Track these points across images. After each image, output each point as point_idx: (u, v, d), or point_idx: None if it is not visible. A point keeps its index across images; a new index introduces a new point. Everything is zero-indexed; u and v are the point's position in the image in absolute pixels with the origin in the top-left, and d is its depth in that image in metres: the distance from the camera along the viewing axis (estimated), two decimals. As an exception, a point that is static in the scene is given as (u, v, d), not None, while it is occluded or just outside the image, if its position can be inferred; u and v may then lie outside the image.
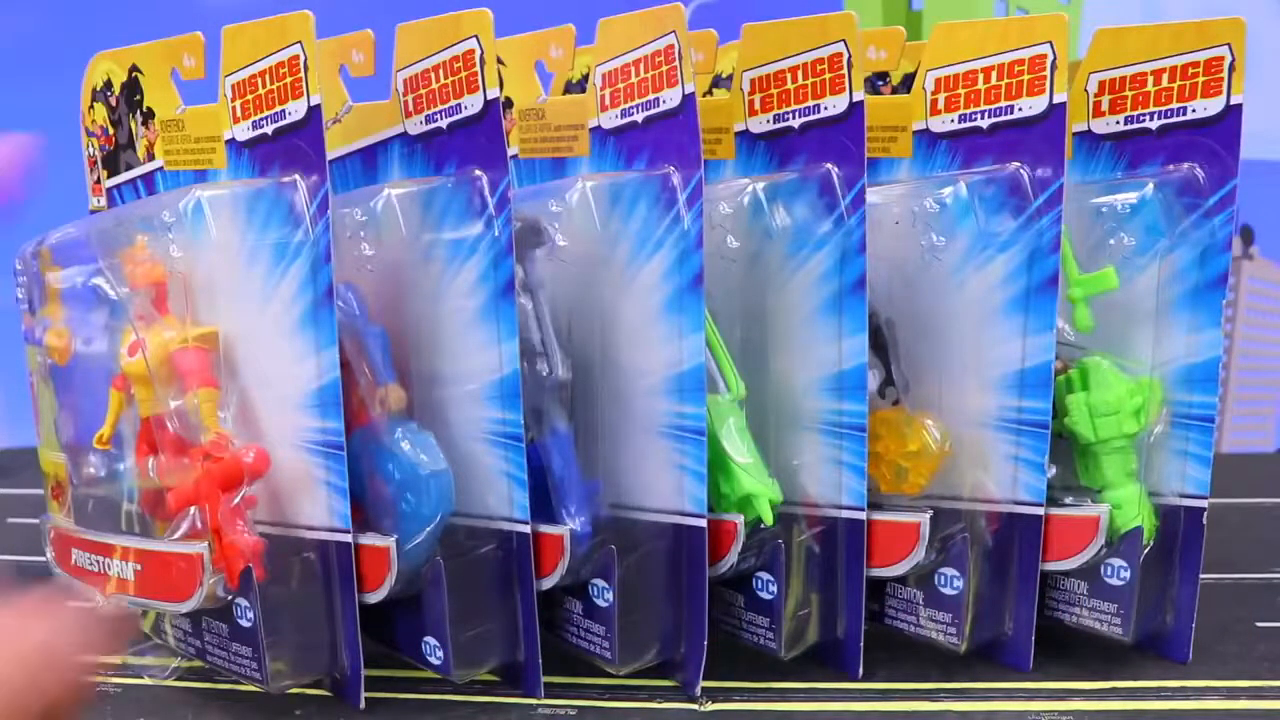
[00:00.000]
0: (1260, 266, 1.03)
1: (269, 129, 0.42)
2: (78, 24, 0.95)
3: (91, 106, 0.50)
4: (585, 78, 0.51)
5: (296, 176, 0.41)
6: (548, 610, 0.47)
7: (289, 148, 0.41)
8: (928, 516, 0.45)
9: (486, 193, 0.41)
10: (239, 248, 0.41)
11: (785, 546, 0.46)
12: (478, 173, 0.42)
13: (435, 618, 0.43)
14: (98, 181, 0.51)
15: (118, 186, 0.50)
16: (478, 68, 0.41)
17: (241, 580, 0.41)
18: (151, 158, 0.48)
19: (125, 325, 0.42)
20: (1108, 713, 0.44)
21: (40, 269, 0.46)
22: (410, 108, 0.44)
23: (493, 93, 0.41)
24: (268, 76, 0.41)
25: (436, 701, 0.45)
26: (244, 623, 0.42)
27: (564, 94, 0.53)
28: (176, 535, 0.42)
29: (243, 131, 0.43)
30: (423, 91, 0.43)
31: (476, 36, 0.41)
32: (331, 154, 0.46)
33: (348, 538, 0.41)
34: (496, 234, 0.41)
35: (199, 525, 0.42)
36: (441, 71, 0.42)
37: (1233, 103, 0.43)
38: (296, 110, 0.41)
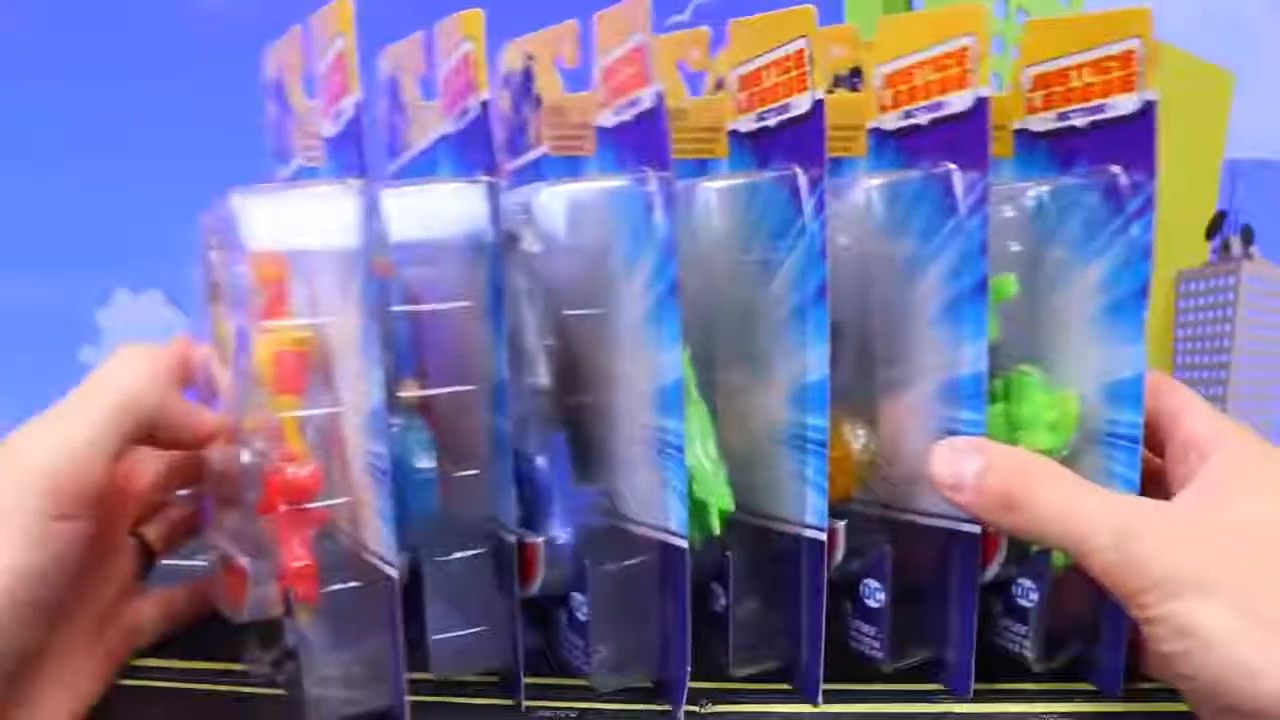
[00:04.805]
0: (1260, 266, 1.03)
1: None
2: (76, 24, 0.95)
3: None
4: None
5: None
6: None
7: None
8: (843, 524, 0.44)
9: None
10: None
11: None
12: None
13: (435, 621, 0.43)
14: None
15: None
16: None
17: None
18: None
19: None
20: (1108, 714, 0.44)
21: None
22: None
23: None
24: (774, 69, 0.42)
25: (437, 704, 0.45)
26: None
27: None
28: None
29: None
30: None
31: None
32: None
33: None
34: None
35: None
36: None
37: (1147, 98, 0.39)
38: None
